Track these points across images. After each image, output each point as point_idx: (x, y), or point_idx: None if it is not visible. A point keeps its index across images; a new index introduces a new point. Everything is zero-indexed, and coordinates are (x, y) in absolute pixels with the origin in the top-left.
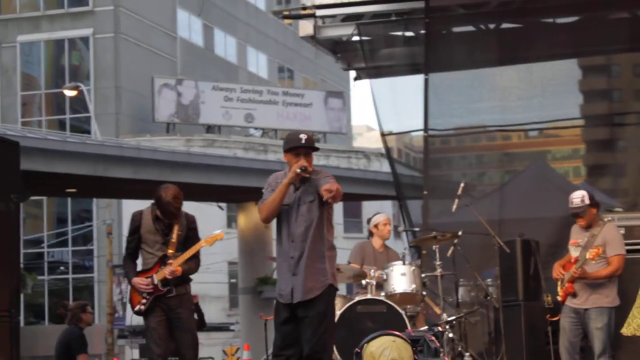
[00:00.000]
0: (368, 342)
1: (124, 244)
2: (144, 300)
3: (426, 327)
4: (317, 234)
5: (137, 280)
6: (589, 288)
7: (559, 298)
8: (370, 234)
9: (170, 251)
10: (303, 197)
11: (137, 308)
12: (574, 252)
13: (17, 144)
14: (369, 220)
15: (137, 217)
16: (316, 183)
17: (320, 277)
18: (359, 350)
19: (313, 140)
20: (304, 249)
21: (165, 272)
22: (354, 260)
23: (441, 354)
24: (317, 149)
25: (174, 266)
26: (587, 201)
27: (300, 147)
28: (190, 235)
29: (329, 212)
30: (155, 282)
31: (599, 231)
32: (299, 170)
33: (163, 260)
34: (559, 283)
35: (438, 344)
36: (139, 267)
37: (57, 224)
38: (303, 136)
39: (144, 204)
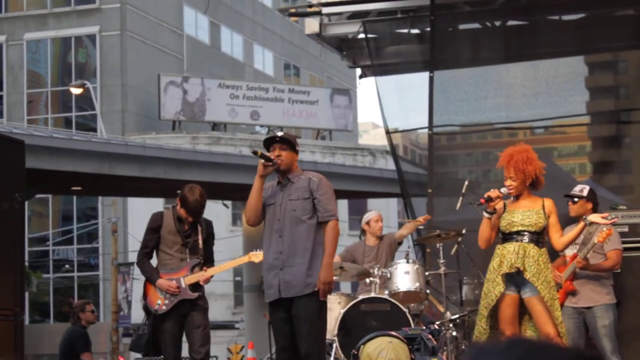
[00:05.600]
0: (364, 343)
1: (130, 242)
2: (167, 302)
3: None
4: (307, 230)
5: (164, 282)
6: (590, 287)
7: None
8: (363, 232)
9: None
10: (290, 194)
11: (157, 308)
12: (569, 252)
13: (22, 143)
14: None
15: (158, 217)
16: (305, 184)
17: (308, 277)
18: (355, 352)
19: (288, 135)
20: (292, 245)
21: (201, 279)
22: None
23: (439, 353)
24: (287, 141)
25: (209, 274)
26: (585, 193)
27: (270, 141)
28: (208, 240)
29: (319, 208)
30: (183, 285)
31: (595, 228)
32: (258, 155)
33: (197, 266)
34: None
35: (435, 343)
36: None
37: (63, 222)
38: (280, 133)
39: (149, 202)
